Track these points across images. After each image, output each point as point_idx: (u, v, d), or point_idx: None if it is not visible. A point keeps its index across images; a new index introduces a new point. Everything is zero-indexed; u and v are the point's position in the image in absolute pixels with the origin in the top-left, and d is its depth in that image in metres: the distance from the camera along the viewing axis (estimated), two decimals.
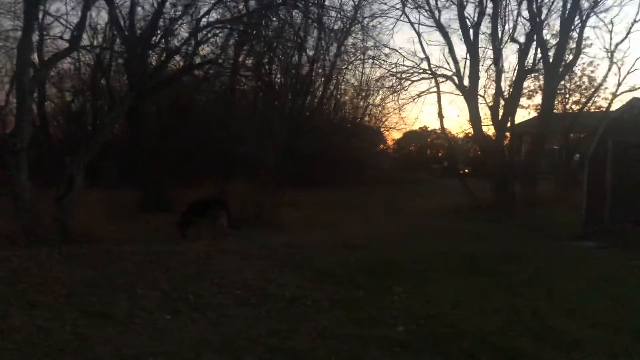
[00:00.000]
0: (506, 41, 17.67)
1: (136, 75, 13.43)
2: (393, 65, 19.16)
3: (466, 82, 17.59)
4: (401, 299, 6.40)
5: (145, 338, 4.83)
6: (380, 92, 22.07)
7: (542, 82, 18.96)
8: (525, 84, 19.18)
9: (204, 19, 13.90)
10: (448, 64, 18.63)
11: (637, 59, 31.83)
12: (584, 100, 20.01)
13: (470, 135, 27.63)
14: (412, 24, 18.58)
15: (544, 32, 17.87)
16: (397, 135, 33.03)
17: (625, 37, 18.20)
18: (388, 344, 4.84)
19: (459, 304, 6.16)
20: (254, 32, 14.46)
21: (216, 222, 10.95)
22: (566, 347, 4.85)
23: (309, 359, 4.53)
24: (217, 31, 14.52)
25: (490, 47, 17.60)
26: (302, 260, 8.22)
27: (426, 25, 18.62)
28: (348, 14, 17.04)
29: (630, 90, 18.07)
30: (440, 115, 19.48)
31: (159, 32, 14.18)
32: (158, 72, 14.37)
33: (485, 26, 17.56)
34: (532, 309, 5.99)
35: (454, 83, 18.12)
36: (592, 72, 20.40)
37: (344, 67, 22.20)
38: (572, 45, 18.14)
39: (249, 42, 16.07)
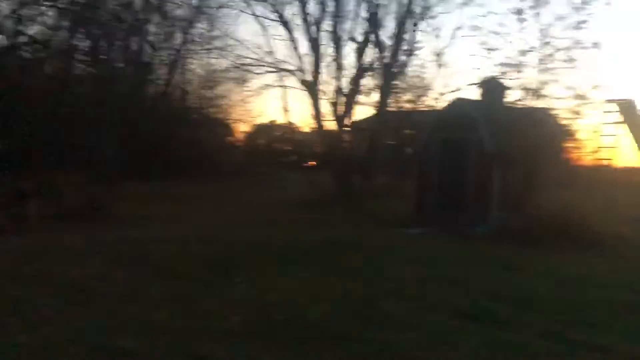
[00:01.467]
0: (346, 40, 18.52)
1: None
2: (239, 57, 19.13)
3: (309, 77, 18.14)
4: (240, 289, 6.43)
5: None
6: (226, 83, 21.90)
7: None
8: (364, 82, 20.28)
9: None
10: (293, 58, 19.07)
11: (460, 62, 35.15)
12: (414, 98, 21.65)
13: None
14: (256, 16, 18.70)
15: (381, 33, 19.02)
16: (246, 128, 33.05)
17: (451, 42, 20.04)
18: (223, 335, 4.83)
19: (296, 291, 6.35)
20: (88, 13, 13.50)
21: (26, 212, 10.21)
22: (390, 327, 5.22)
23: (138, 357, 4.36)
24: (44, 9, 13.30)
25: (332, 45, 18.33)
26: (139, 255, 7.91)
27: (271, 20, 18.83)
28: (192, 2, 16.61)
29: (454, 91, 19.92)
30: (285, 109, 19.90)
31: None
32: None
33: (327, 24, 18.25)
34: (363, 292, 6.37)
35: (298, 78, 18.60)
36: (422, 72, 22.14)
37: (189, 57, 21.63)
38: (406, 47, 19.56)
39: (84, 23, 14.96)
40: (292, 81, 19.35)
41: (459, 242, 10.45)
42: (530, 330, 5.32)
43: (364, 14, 18.37)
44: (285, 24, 18.14)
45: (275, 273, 7.33)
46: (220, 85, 25.80)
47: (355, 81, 18.75)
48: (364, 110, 21.55)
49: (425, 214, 13.18)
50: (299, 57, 18.26)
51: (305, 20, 17.71)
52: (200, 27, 22.52)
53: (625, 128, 14.96)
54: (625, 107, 14.58)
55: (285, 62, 19.11)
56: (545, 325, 5.49)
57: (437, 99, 20.69)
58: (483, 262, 8.70)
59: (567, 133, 15.17)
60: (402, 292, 6.53)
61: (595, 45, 12.59)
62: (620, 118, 14.56)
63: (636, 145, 15.35)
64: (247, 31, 50.16)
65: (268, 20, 19.21)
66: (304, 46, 19.00)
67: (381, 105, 19.21)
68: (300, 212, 14.80)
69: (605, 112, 14.48)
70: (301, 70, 18.24)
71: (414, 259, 8.71)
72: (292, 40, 18.26)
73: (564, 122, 14.29)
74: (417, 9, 18.52)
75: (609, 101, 14.48)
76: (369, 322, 5.32)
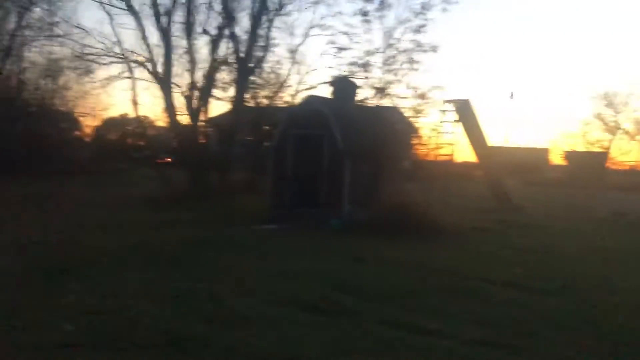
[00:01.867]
0: (199, 32, 18.06)
1: None
2: (83, 46, 17.80)
3: (160, 69, 17.42)
4: (77, 297, 5.94)
5: None
6: (68, 73, 20.33)
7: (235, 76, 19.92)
8: (220, 76, 19.92)
9: None
10: (142, 49, 18.18)
11: (314, 60, 36.11)
12: (271, 94, 21.73)
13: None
14: (102, 3, 17.54)
15: (236, 27, 18.79)
16: (95, 122, 30.95)
17: (304, 40, 20.37)
18: (49, 346, 4.43)
19: (140, 295, 6.02)
20: None
21: None
22: (236, 326, 5.14)
23: None
24: None
25: (185, 37, 17.77)
26: None
27: (118, 8, 17.76)
28: None
29: (309, 88, 20.35)
30: (135, 102, 18.93)
31: None
32: None
33: (179, 15, 17.64)
34: (210, 292, 6.21)
35: (148, 70, 17.78)
36: (279, 69, 22.28)
37: (26, 43, 19.73)
38: (262, 42, 19.54)
39: None
40: (142, 73, 18.48)
41: (313, 237, 10.67)
42: (373, 318, 5.56)
43: (217, 7, 18.04)
44: (133, 12, 17.22)
45: (119, 277, 6.88)
46: (62, 75, 23.89)
47: (210, 75, 18.35)
48: (220, 105, 21.19)
49: (281, 210, 13.29)
50: (149, 48, 17.49)
51: (155, 9, 16.96)
52: (39, 11, 20.67)
53: (461, 126, 16.34)
54: (462, 106, 15.92)
55: (134, 52, 18.19)
56: (388, 313, 5.78)
57: (294, 95, 21.02)
58: (334, 256, 8.98)
59: (412, 130, 16.23)
60: (252, 289, 6.50)
61: (434, 48, 13.59)
62: (457, 117, 15.86)
63: (470, 141, 16.83)
64: (92, 19, 46.74)
65: (116, 9, 18.14)
66: (154, 37, 18.18)
67: (238, 100, 18.99)
68: (153, 210, 14.13)
69: (443, 111, 15.71)
70: (151, 61, 17.47)
71: (266, 255, 8.74)
72: (142, 30, 17.41)
73: (409, 120, 15.27)
74: (271, 5, 18.59)
75: (447, 101, 15.75)
76: (216, 322, 5.21)
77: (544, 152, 42.80)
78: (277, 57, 20.53)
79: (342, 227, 11.77)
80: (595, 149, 38.47)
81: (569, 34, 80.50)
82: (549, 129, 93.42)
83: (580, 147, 39.12)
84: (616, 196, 23.85)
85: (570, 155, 37.75)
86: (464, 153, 20.11)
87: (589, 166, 34.18)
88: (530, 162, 39.15)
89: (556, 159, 41.96)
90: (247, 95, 20.00)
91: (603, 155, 37.10)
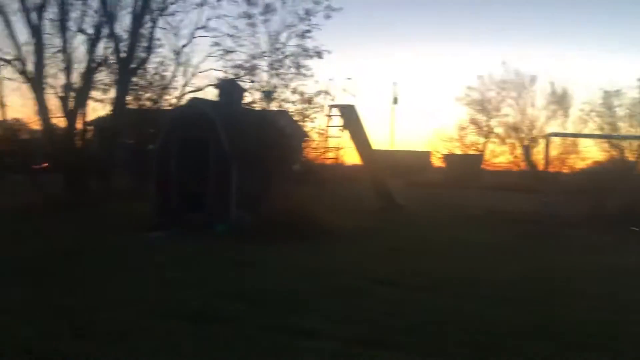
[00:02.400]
0: (75, 30, 17.02)
1: None
2: None
3: (31, 69, 16.21)
4: None
5: None
6: None
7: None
8: (100, 77, 18.89)
9: None
10: (10, 47, 16.81)
11: (200, 62, 35.26)
12: (156, 96, 20.98)
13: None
14: None
15: (116, 26, 17.95)
16: None
17: (190, 42, 19.93)
18: None
19: (2, 311, 5.54)
20: None
21: None
22: (109, 340, 4.88)
23: None
24: None
25: (59, 35, 16.66)
26: None
27: None
28: None
29: (196, 91, 19.93)
30: (2, 103, 17.50)
31: None
32: None
33: (52, 11, 16.53)
34: (83, 306, 5.86)
35: (16, 69, 16.48)
36: (163, 71, 21.55)
37: None
38: (145, 43, 18.82)
39: None
40: (9, 72, 17.08)
41: (198, 243, 10.43)
42: (254, 324, 5.53)
43: (95, 4, 17.11)
44: None
45: None
46: None
47: (88, 76, 17.33)
48: (101, 107, 20.09)
49: (166, 216, 12.86)
50: (18, 46, 16.20)
51: (23, 4, 15.73)
52: None
53: (347, 130, 16.79)
54: (346, 111, 16.35)
55: (0, 50, 16.77)
56: (269, 318, 5.77)
57: (180, 97, 20.47)
58: (219, 262, 8.84)
59: (301, 134, 16.42)
60: (129, 300, 6.21)
61: (319, 53, 13.87)
62: (343, 121, 16.27)
63: (356, 145, 17.33)
64: None
65: None
66: (23, 34, 16.88)
67: (119, 102, 18.13)
68: (24, 220, 13.09)
69: (329, 115, 16.06)
70: (20, 60, 16.18)
71: (148, 264, 8.42)
72: (8, 26, 16.09)
73: (297, 124, 15.44)
74: (155, 5, 17.98)
75: (333, 106, 16.10)
76: (88, 337, 4.91)
77: (427, 154, 45.13)
78: (161, 58, 19.91)
79: (229, 232, 11.62)
80: (472, 151, 41.22)
81: (449, 41, 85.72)
82: (430, 132, 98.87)
83: (458, 150, 41.75)
84: (490, 195, 25.71)
85: (448, 158, 40.15)
86: (351, 156, 20.66)
87: (465, 168, 36.57)
88: (413, 164, 41.08)
89: (437, 161, 44.47)
90: (129, 97, 19.18)
91: (478, 158, 39.82)
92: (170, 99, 20.53)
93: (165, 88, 19.97)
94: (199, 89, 19.54)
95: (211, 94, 18.28)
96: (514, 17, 75.52)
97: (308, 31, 13.82)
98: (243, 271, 8.19)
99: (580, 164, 35.33)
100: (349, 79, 20.83)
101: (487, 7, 74.27)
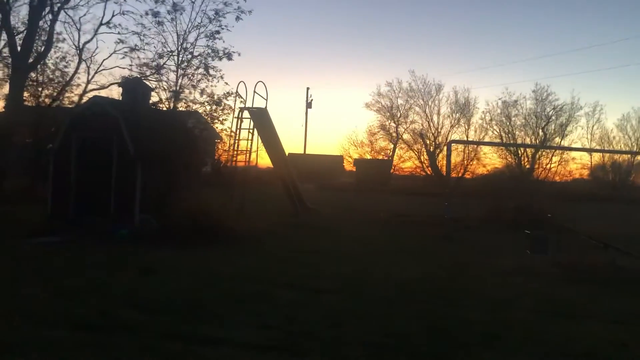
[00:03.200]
0: None
1: None
2: None
3: None
4: None
5: None
6: None
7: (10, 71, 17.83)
8: None
9: None
10: None
11: (104, 59, 33.86)
12: (56, 94, 19.88)
13: None
14: None
15: (12, 18, 16.82)
16: None
17: (93, 37, 19.07)
18: None
19: None
20: None
21: None
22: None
23: None
24: None
25: None
26: None
27: None
28: None
29: (99, 89, 19.08)
30: None
31: None
32: None
33: None
34: None
35: None
36: (65, 67, 20.47)
37: None
38: (44, 36, 17.77)
39: None
40: None
41: (98, 249, 9.95)
42: (154, 332, 5.35)
43: None
44: None
45: None
46: None
47: None
48: None
49: (63, 220, 12.18)
50: None
51: None
52: None
53: (258, 133, 16.68)
54: (257, 114, 16.25)
55: None
56: (171, 325, 5.61)
57: (82, 95, 19.53)
58: (121, 268, 8.47)
59: (211, 136, 16.13)
60: (16, 310, 5.80)
61: (229, 55, 13.71)
62: (253, 124, 16.15)
63: (267, 148, 17.28)
64: None
65: None
66: None
67: (14, 99, 16.97)
68: None
69: (240, 118, 15.90)
70: None
71: (40, 271, 7.92)
72: None
73: (205, 125, 15.16)
74: None
75: (243, 108, 15.96)
76: None
77: (339, 159, 45.92)
78: (62, 54, 18.88)
79: (132, 236, 11.18)
80: (381, 156, 42.46)
81: (363, 46, 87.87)
82: (342, 137, 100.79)
83: (368, 155, 42.87)
84: (397, 199, 26.56)
85: (358, 162, 41.10)
86: (264, 159, 20.60)
87: (375, 172, 37.59)
88: (325, 169, 41.67)
89: (348, 165, 45.39)
90: (26, 94, 18.02)
91: (387, 163, 41.07)
92: (72, 96, 19.56)
93: (66, 85, 18.95)
94: (102, 87, 18.74)
95: (116, 92, 17.58)
96: (423, 23, 78.93)
97: (217, 32, 13.65)
98: (145, 277, 7.90)
99: (481, 170, 37.46)
100: (260, 81, 20.72)
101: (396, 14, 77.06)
